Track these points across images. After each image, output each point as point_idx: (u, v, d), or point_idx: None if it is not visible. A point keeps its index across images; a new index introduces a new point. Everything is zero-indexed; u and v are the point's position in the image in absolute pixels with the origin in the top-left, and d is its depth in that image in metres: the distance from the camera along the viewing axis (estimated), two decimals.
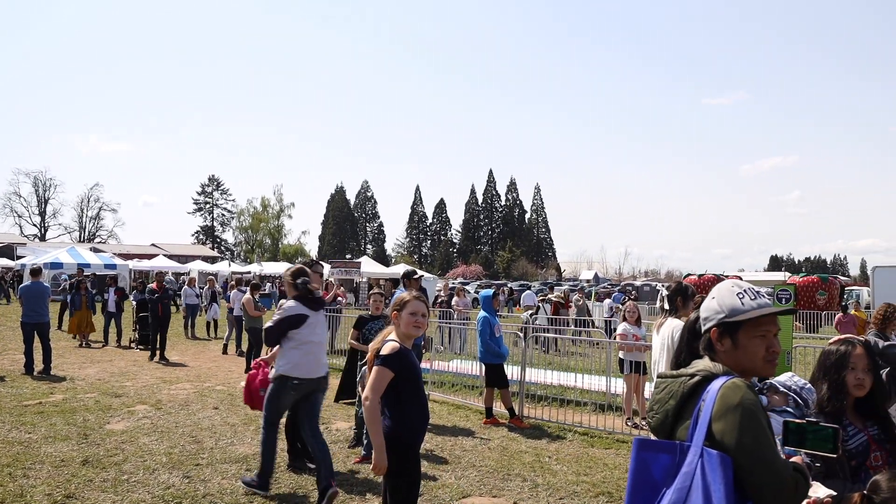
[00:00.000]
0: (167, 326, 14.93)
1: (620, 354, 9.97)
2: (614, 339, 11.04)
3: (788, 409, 2.76)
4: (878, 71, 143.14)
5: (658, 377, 2.45)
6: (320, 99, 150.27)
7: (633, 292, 42.74)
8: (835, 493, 2.41)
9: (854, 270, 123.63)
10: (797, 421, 2.33)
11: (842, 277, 45.13)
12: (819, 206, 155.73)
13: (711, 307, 2.41)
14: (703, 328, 2.43)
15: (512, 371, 10.81)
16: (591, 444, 8.27)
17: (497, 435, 8.60)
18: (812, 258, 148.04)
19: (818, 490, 2.31)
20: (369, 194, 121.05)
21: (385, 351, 3.98)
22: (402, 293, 4.32)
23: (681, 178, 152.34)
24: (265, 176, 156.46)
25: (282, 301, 6.95)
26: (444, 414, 9.77)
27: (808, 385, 3.02)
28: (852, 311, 18.22)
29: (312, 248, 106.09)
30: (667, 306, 5.94)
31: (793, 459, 2.28)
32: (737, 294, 2.37)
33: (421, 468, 4.24)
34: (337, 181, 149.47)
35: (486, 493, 6.32)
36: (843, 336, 3.42)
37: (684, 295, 5.94)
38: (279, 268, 50.06)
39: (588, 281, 63.07)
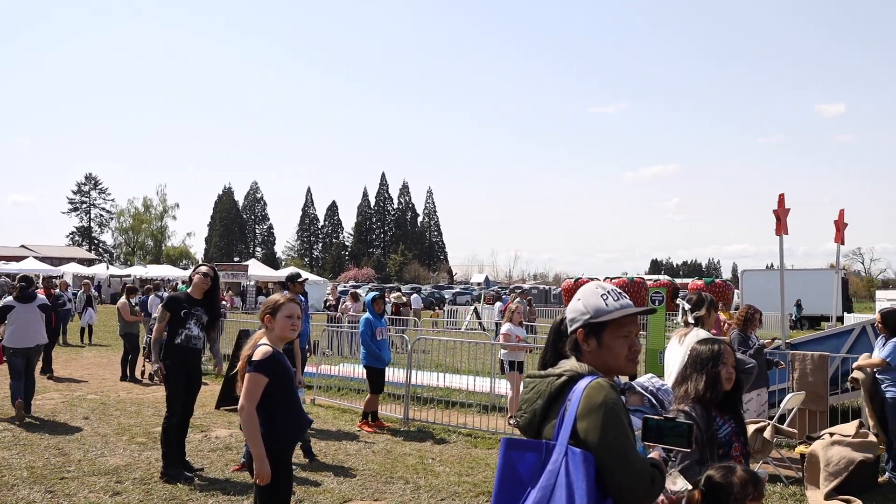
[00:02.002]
0: (57, 338, 13.79)
1: (501, 354, 10.15)
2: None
3: (643, 409, 2.89)
4: (752, 84, 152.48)
5: (527, 377, 2.50)
6: (207, 97, 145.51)
7: (529, 295, 43.74)
8: (690, 487, 2.54)
9: (727, 274, 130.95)
10: (655, 418, 2.43)
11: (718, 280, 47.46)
12: (696, 213, 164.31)
13: (577, 308, 2.45)
14: (570, 329, 2.47)
15: (399, 374, 10.83)
16: (474, 445, 8.37)
17: (381, 438, 8.57)
18: (689, 262, 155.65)
19: (677, 481, 2.42)
20: (259, 196, 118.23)
21: (258, 356, 3.87)
22: (273, 296, 4.21)
23: (568, 184, 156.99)
24: (147, 175, 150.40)
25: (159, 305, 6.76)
26: (330, 418, 9.65)
27: (666, 386, 3.19)
28: (721, 313, 19.27)
29: (198, 250, 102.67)
30: (690, 319, 5.93)
31: (651, 455, 2.37)
32: (601, 295, 2.43)
33: (293, 473, 4.15)
34: (225, 182, 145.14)
35: (368, 496, 6.28)
36: (707, 336, 3.62)
37: (708, 305, 6.00)
38: (163, 271, 48.07)
39: (479, 284, 63.97)
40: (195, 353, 6.95)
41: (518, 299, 24.05)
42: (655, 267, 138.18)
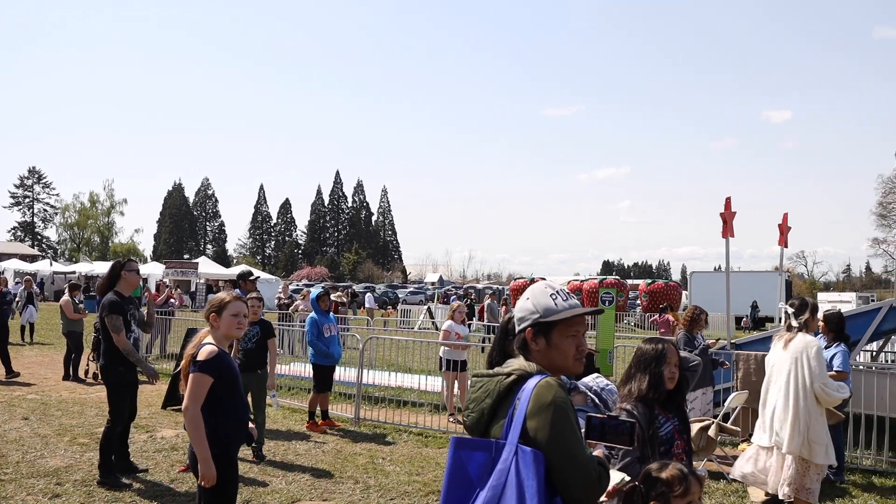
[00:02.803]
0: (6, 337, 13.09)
1: (441, 352, 10.16)
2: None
3: (586, 408, 2.92)
4: (703, 89, 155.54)
5: (474, 376, 2.49)
6: (157, 91, 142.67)
7: (472, 293, 43.93)
8: (629, 478, 2.58)
9: (676, 275, 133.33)
10: (599, 417, 2.45)
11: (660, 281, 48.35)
12: (647, 215, 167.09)
13: (526, 308, 2.45)
14: (518, 328, 2.47)
15: (350, 373, 10.77)
16: (425, 444, 8.37)
17: (332, 438, 8.52)
18: (640, 263, 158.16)
19: (614, 476, 2.46)
20: (210, 192, 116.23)
21: (202, 356, 3.79)
22: (219, 294, 4.13)
23: (523, 185, 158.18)
24: (94, 170, 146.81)
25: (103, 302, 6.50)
26: (280, 418, 9.55)
27: (610, 386, 3.22)
28: (668, 314, 19.61)
29: (147, 247, 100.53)
30: (795, 323, 5.88)
31: (595, 453, 2.39)
32: (550, 295, 2.44)
33: (239, 473, 4.09)
34: (175, 178, 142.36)
35: (317, 496, 6.23)
36: (653, 336, 3.68)
37: (812, 310, 6.02)
38: (109, 268, 46.86)
39: (433, 283, 64.08)
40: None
41: (488, 300, 24.22)
42: (607, 268, 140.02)
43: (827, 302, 40.18)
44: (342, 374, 11.43)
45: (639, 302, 41.07)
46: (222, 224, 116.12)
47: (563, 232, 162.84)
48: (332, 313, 9.66)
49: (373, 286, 59.54)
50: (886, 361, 12.08)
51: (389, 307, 43.82)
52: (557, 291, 2.45)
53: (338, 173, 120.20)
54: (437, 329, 24.50)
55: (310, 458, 7.55)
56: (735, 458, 7.85)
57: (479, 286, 58.08)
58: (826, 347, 7.49)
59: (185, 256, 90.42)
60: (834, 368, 7.26)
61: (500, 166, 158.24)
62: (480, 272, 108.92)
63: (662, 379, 3.39)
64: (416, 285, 68.34)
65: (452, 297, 34.45)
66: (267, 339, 7.65)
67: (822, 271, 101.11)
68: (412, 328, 26.30)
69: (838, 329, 7.44)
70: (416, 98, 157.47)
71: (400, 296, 50.26)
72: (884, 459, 7.77)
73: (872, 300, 40.18)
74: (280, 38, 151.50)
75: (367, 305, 31.69)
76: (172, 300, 18.63)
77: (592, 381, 3.19)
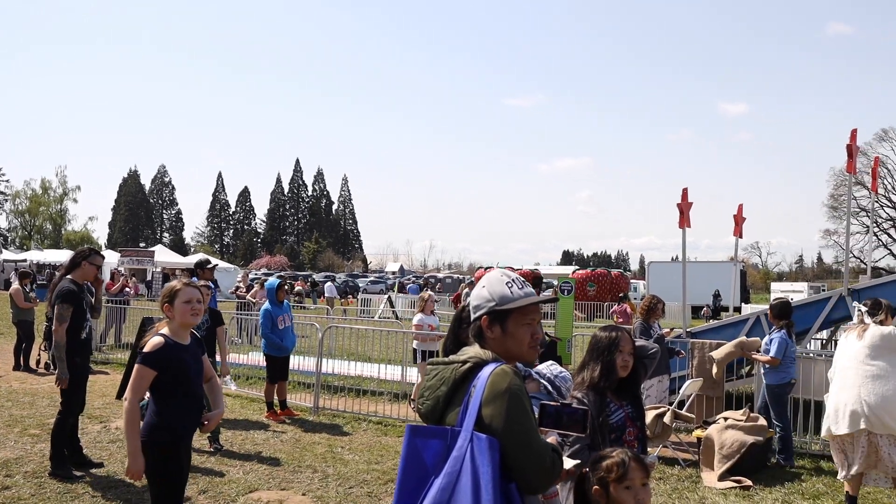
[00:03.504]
0: None
1: (414, 344, 10.17)
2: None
3: (540, 395, 2.94)
4: (662, 81, 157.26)
5: (429, 364, 2.50)
6: (111, 76, 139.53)
7: (437, 284, 44.03)
8: (579, 462, 2.62)
9: (634, 265, 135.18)
10: (553, 404, 2.48)
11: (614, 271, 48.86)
12: (606, 206, 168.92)
13: (482, 296, 2.46)
14: (474, 316, 2.48)
15: (309, 362, 10.71)
16: (384, 433, 8.37)
17: (290, 427, 8.47)
18: (599, 253, 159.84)
19: (567, 463, 2.49)
20: (167, 179, 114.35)
21: (147, 348, 3.72)
22: (170, 283, 4.04)
23: (484, 175, 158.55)
24: (46, 157, 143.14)
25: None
26: (237, 408, 9.46)
27: (564, 373, 3.26)
28: (626, 303, 19.91)
29: (101, 235, 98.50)
30: (867, 320, 6.01)
31: (548, 440, 2.41)
32: (506, 283, 2.45)
33: (189, 466, 4.03)
34: (130, 165, 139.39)
35: (275, 486, 6.19)
36: (609, 325, 3.72)
37: (886, 310, 6.09)
38: (62, 256, 45.83)
39: (394, 273, 63.95)
40: (91, 344, 6.68)
41: (466, 290, 24.10)
42: (567, 258, 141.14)
43: (780, 292, 41.11)
44: (301, 363, 11.37)
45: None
46: (179, 212, 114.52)
47: (523, 222, 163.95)
48: (287, 303, 9.54)
49: (333, 275, 59.19)
50: (835, 349, 12.40)
51: (350, 296, 43.65)
52: (513, 280, 2.47)
53: (298, 161, 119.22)
54: (397, 318, 24.48)
55: (268, 447, 7.50)
56: (689, 444, 8.02)
57: (440, 275, 58.09)
58: (769, 333, 7.88)
59: (141, 245, 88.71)
60: (769, 354, 7.55)
61: (461, 156, 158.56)
62: (441, 262, 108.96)
63: (614, 367, 3.43)
64: (376, 275, 68.12)
65: (411, 287, 34.54)
66: (216, 327, 7.57)
67: (775, 262, 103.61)
68: (373, 318, 26.25)
69: (782, 315, 7.76)
70: (376, 87, 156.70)
71: (360, 285, 50.08)
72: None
73: (823, 290, 41.23)
74: (238, 27, 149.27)
75: (326, 294, 31.53)
76: (128, 289, 18.30)
77: (546, 368, 3.21)
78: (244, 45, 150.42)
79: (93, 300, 6.74)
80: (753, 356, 8.07)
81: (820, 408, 8.16)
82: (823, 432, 6.12)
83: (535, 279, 9.89)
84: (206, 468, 6.59)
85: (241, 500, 5.81)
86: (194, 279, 8.80)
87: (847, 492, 6.00)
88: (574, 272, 40.94)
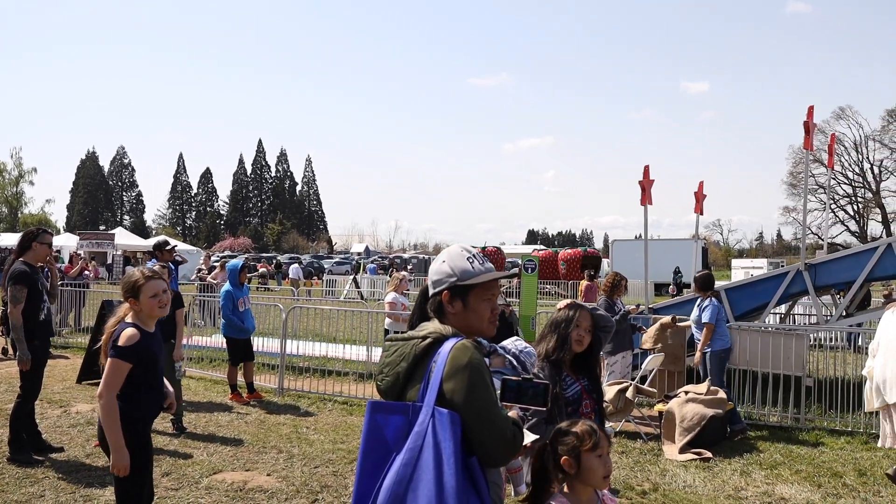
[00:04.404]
0: None
1: (386, 324, 10.15)
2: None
3: (504, 370, 2.96)
4: (625, 60, 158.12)
5: (387, 340, 2.49)
6: (67, 55, 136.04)
7: (406, 264, 43.98)
8: (538, 437, 2.64)
9: (599, 244, 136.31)
10: (515, 379, 2.49)
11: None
12: (571, 185, 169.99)
13: (443, 271, 2.45)
14: (434, 291, 2.47)
15: (274, 344, 10.64)
16: (350, 413, 8.36)
17: (255, 409, 8.42)
18: (564, 232, 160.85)
19: (527, 437, 2.50)
20: (126, 161, 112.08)
21: (122, 341, 3.61)
22: (132, 274, 3.90)
23: (449, 155, 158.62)
24: (0, 138, 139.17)
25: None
26: (201, 390, 9.37)
27: (528, 348, 3.29)
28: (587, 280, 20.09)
29: (59, 217, 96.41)
30: None
31: (510, 414, 2.42)
32: (467, 259, 2.45)
33: (153, 447, 3.97)
34: (88, 146, 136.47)
35: (239, 467, 6.16)
36: (570, 301, 3.77)
37: None
38: (18, 239, 44.72)
39: (359, 254, 63.72)
40: (51, 326, 6.53)
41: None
42: (532, 237, 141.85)
43: (741, 268, 41.86)
44: (266, 344, 11.30)
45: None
46: (140, 194, 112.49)
47: (488, 201, 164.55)
48: (246, 286, 9.39)
49: (298, 257, 58.76)
50: (794, 322, 12.68)
51: (315, 278, 43.41)
52: (473, 255, 2.48)
53: (260, 142, 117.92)
54: (362, 298, 24.42)
55: (232, 429, 7.45)
56: (651, 418, 8.15)
57: (406, 256, 58.01)
58: (698, 305, 8.25)
59: (101, 228, 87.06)
60: (702, 321, 7.86)
61: (427, 136, 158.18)
62: (407, 242, 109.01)
63: (569, 340, 3.51)
64: (342, 255, 67.76)
65: (370, 267, 34.52)
66: (176, 310, 7.41)
67: (736, 239, 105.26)
68: (338, 299, 26.14)
69: (707, 287, 8.24)
70: (339, 67, 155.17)
71: (325, 266, 49.79)
72: (789, 416, 8.19)
73: (782, 265, 42.05)
74: (198, 6, 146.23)
75: (291, 276, 31.29)
76: (87, 272, 17.98)
77: (511, 343, 3.24)
78: (204, 26, 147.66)
79: (48, 284, 6.59)
80: (678, 326, 8.62)
81: (778, 380, 8.37)
82: (877, 403, 6.23)
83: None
84: (170, 451, 6.52)
85: (205, 481, 5.76)
86: (153, 261, 8.68)
87: None
88: (561, 252, 41.19)
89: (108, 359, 3.61)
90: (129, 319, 3.77)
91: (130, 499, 3.70)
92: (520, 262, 16.20)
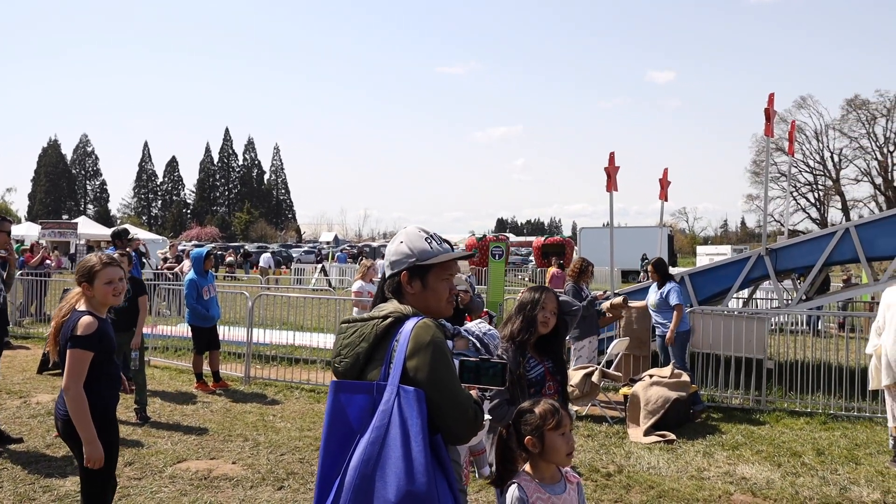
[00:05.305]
0: None
1: (354, 312, 10.12)
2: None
3: (468, 352, 2.96)
4: (593, 49, 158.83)
5: (342, 323, 2.48)
6: (28, 40, 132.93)
7: (366, 251, 43.94)
8: (489, 417, 2.65)
9: (567, 231, 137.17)
10: (472, 360, 2.50)
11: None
12: (540, 174, 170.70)
13: (402, 251, 2.45)
14: (392, 271, 2.47)
15: (240, 332, 10.55)
16: (316, 401, 8.33)
17: (221, 397, 8.35)
18: (532, 221, 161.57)
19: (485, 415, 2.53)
20: (89, 149, 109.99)
21: (81, 330, 3.51)
22: (88, 258, 3.81)
23: (418, 143, 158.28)
24: None
25: None
26: (166, 379, 9.27)
27: (492, 331, 3.31)
28: (555, 267, 20.26)
29: (20, 207, 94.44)
30: None
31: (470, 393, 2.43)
32: (425, 239, 2.46)
33: (119, 435, 3.91)
34: (50, 134, 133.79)
35: (204, 456, 6.11)
36: (536, 285, 3.81)
37: None
38: None
39: (328, 243, 63.35)
40: (5, 314, 6.42)
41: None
42: (501, 225, 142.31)
43: (705, 255, 42.38)
44: (232, 333, 11.20)
45: (531, 258, 42.01)
46: (104, 183, 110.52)
47: (457, 190, 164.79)
48: (211, 274, 9.28)
49: (267, 246, 58.28)
50: (756, 307, 12.90)
51: (283, 266, 43.10)
52: (431, 235, 2.49)
53: (227, 130, 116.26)
54: (331, 287, 24.31)
55: (197, 417, 7.39)
56: (616, 402, 8.25)
57: (375, 245, 57.85)
58: (659, 290, 8.44)
59: (64, 217, 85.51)
60: (671, 304, 8.02)
61: (396, 124, 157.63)
62: (376, 231, 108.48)
63: (534, 322, 3.53)
64: (310, 244, 67.32)
65: (339, 255, 34.45)
66: (138, 297, 7.30)
67: (701, 226, 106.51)
68: (307, 287, 25.99)
69: (664, 273, 8.50)
70: (308, 56, 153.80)
71: (294, 255, 49.44)
72: (750, 398, 8.34)
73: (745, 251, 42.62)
74: None
75: (261, 265, 31.07)
76: (48, 261, 17.65)
77: (475, 326, 3.26)
78: (169, 14, 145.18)
79: (4, 273, 6.46)
80: (634, 304, 8.87)
81: (740, 363, 8.51)
82: (886, 381, 6.20)
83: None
84: (133, 440, 6.45)
85: (169, 470, 5.71)
86: (112, 249, 8.54)
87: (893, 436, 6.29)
88: (540, 239, 41.38)
89: (69, 350, 3.50)
90: (81, 307, 3.66)
91: (97, 489, 3.64)
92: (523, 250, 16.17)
